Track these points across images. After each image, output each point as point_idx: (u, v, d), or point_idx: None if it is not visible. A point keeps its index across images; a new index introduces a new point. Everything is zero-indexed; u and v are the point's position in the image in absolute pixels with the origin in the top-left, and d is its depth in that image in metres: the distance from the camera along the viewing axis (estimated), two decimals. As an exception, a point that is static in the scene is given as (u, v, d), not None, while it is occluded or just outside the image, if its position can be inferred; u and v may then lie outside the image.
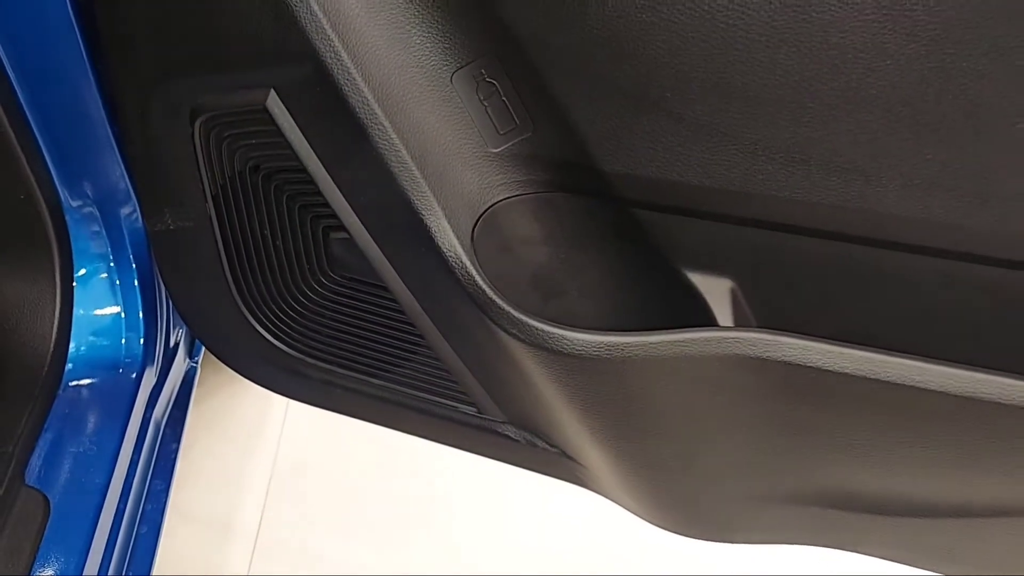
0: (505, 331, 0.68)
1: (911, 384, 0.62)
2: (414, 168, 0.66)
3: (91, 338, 0.97)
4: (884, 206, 0.63)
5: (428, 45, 0.66)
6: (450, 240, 0.67)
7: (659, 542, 0.88)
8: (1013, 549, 0.74)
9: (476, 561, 1.34)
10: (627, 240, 0.73)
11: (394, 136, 0.65)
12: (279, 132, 0.69)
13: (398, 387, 0.81)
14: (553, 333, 0.67)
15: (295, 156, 0.69)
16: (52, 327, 0.94)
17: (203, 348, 1.12)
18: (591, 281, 0.75)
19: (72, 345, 0.95)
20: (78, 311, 0.96)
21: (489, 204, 0.71)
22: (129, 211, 0.93)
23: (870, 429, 0.66)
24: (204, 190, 0.75)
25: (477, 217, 0.70)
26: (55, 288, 0.93)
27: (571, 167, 0.70)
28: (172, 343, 1.04)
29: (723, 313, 0.73)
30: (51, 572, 0.80)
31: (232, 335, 0.85)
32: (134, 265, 0.96)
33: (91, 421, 0.94)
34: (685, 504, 0.82)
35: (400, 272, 0.72)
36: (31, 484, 0.84)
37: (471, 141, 0.69)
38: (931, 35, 0.56)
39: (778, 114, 0.62)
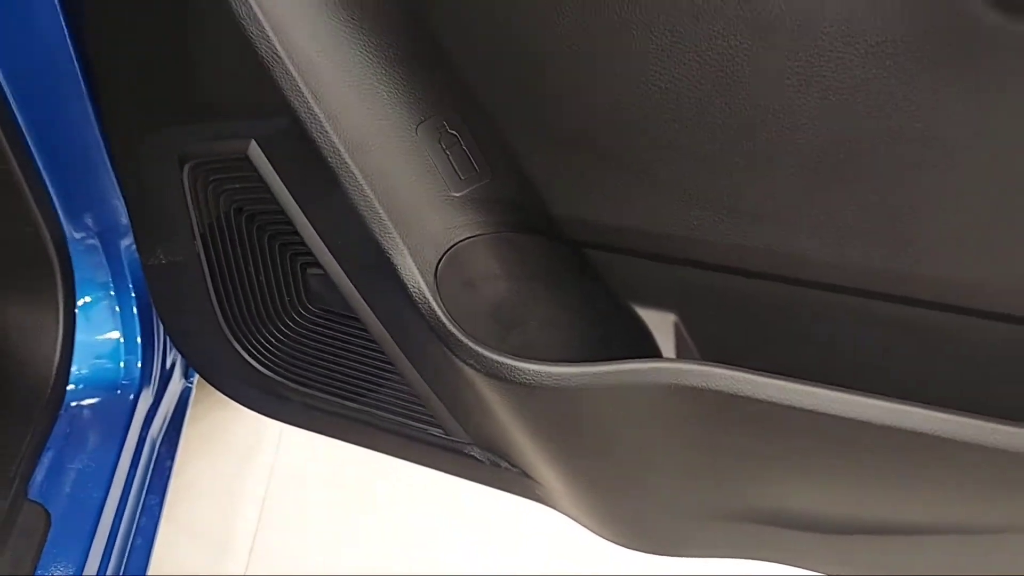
0: (464, 362, 0.74)
1: (830, 412, 0.67)
2: (381, 211, 0.72)
3: (92, 361, 1.03)
4: (806, 250, 0.69)
5: (395, 101, 0.73)
6: (415, 277, 0.74)
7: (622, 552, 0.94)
8: (939, 561, 0.79)
9: None
10: (579, 277, 0.79)
11: (363, 183, 0.72)
12: (260, 178, 0.75)
13: (372, 410, 0.87)
14: (508, 364, 0.73)
15: (275, 200, 0.76)
16: (55, 351, 1.00)
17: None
18: (547, 314, 0.81)
19: (74, 367, 1.02)
20: (80, 336, 1.02)
21: (451, 244, 0.77)
22: (128, 243, 1.00)
23: (795, 453, 0.72)
24: (193, 229, 0.82)
25: (440, 255, 0.76)
26: (59, 314, 1.00)
27: (527, 210, 0.76)
28: (168, 365, 1.11)
29: (667, 345, 0.79)
30: None
31: (219, 360, 0.91)
32: (133, 293, 1.03)
33: (91, 439, 1.01)
34: (633, 520, 0.88)
35: (371, 306, 0.79)
36: (33, 498, 0.91)
37: (434, 186, 0.76)
38: (842, 97, 0.62)
39: (708, 166, 0.68)
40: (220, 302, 0.86)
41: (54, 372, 1.00)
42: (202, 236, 0.82)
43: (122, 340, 1.04)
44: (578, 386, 0.73)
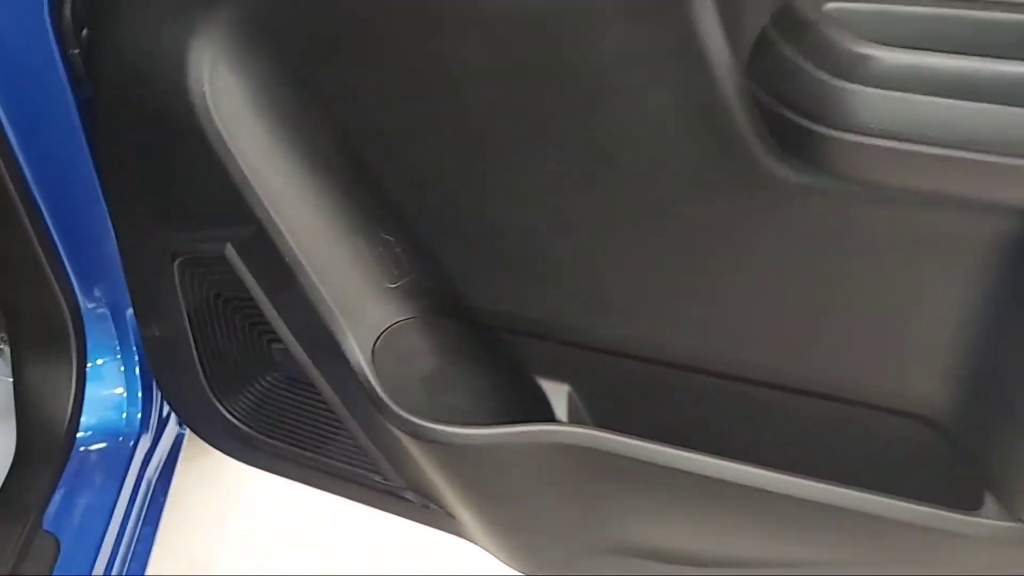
0: (396, 426, 0.92)
1: (680, 468, 0.85)
2: (329, 301, 0.91)
3: (100, 412, 1.22)
4: (663, 339, 0.87)
5: (340, 214, 0.91)
6: (355, 355, 0.92)
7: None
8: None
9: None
10: (490, 354, 0.97)
11: (314, 279, 0.90)
12: (234, 273, 0.94)
13: (325, 459, 1.05)
14: (429, 428, 0.91)
15: (246, 289, 0.95)
16: (69, 404, 1.19)
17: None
18: (464, 384, 0.99)
19: (84, 418, 1.20)
20: (90, 391, 1.21)
21: (386, 326, 0.95)
22: (132, 313, 1.19)
23: (654, 500, 0.90)
24: (182, 310, 1.01)
25: (377, 336, 0.95)
26: (72, 373, 1.19)
27: (446, 299, 0.95)
28: (164, 416, 1.29)
29: (560, 410, 0.97)
30: None
31: (203, 414, 1.09)
32: (136, 356, 1.22)
33: (96, 478, 1.19)
34: (537, 553, 1.05)
35: (322, 375, 0.97)
36: (47, 529, 1.09)
37: (372, 280, 0.94)
38: (669, 218, 0.80)
39: (577, 273, 0.87)
40: (203, 368, 1.05)
41: (67, 421, 1.19)
42: (188, 316, 1.01)
43: (125, 395, 1.22)
44: (486, 445, 0.91)
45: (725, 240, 0.79)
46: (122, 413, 1.22)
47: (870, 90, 0.63)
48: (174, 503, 1.34)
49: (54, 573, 1.05)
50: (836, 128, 0.64)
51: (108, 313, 1.20)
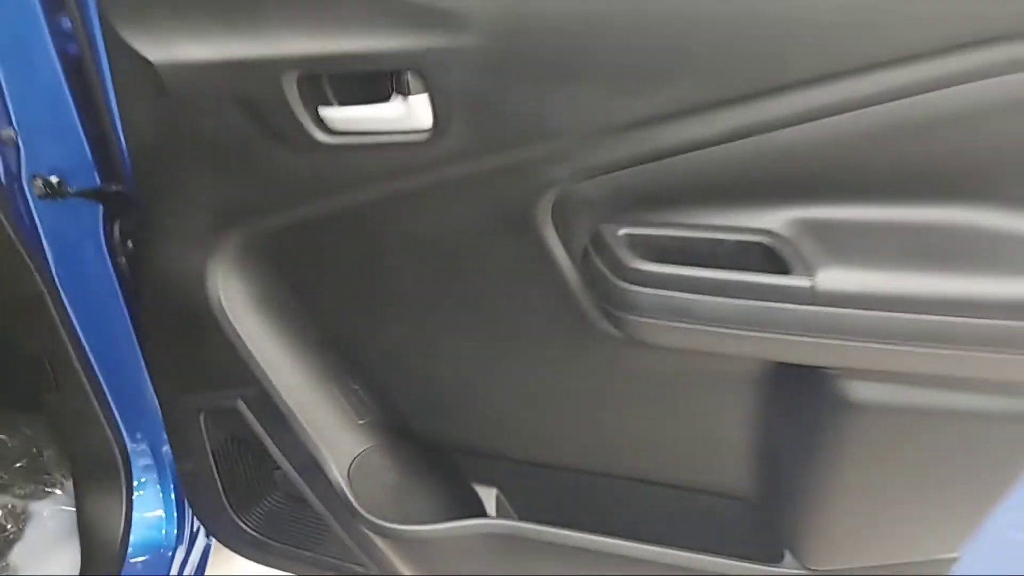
0: (368, 527, 1.25)
1: (581, 546, 1.17)
2: (314, 437, 1.25)
3: (144, 531, 1.54)
4: (549, 450, 1.21)
5: (319, 372, 1.26)
6: (335, 476, 1.25)
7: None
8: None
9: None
10: (437, 468, 1.30)
11: (302, 421, 1.24)
12: (244, 420, 1.28)
13: (318, 555, 1.37)
14: (392, 527, 1.24)
15: (253, 431, 1.29)
16: (120, 525, 1.52)
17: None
18: (418, 493, 1.32)
19: (132, 536, 1.53)
20: (136, 514, 1.54)
21: (358, 453, 1.29)
22: (167, 449, 1.53)
23: (565, 568, 1.22)
24: (207, 449, 1.35)
25: (351, 461, 1.28)
26: (122, 500, 1.52)
27: (401, 430, 1.29)
28: (195, 530, 1.61)
29: (491, 508, 1.30)
30: None
31: (224, 526, 1.42)
32: (171, 483, 1.55)
33: (141, 583, 1.51)
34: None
35: (313, 493, 1.30)
36: None
37: (346, 419, 1.28)
38: (532, 362, 1.15)
39: (488, 407, 1.21)
40: (225, 491, 1.39)
41: (120, 540, 1.51)
42: (212, 453, 1.35)
43: (163, 516, 1.55)
44: (434, 537, 1.24)
45: (582, 376, 1.14)
46: (161, 530, 1.55)
47: (644, 289, 0.98)
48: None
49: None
50: (624, 312, 0.99)
51: (148, 450, 1.54)
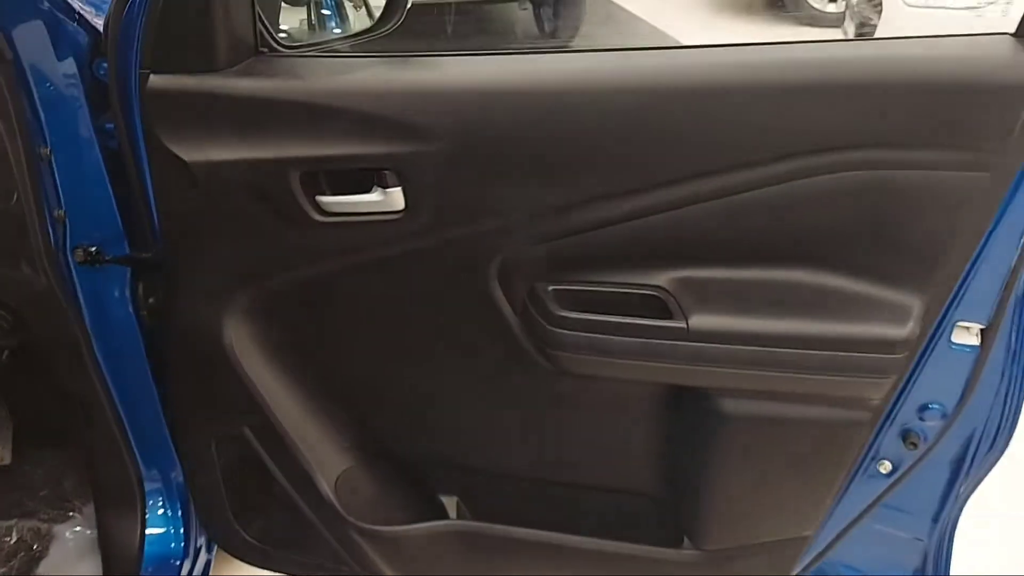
0: (351, 530, 1.53)
1: (529, 540, 1.46)
2: (308, 457, 1.53)
3: (156, 545, 1.79)
4: (496, 463, 1.50)
5: (311, 402, 1.55)
6: (325, 488, 1.53)
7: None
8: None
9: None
10: (407, 480, 1.59)
11: (299, 444, 1.52)
12: (249, 445, 1.56)
13: (311, 558, 1.64)
14: (372, 529, 1.52)
15: (256, 453, 1.56)
16: (136, 541, 1.77)
17: (215, 548, 1.93)
18: (394, 499, 1.60)
19: (146, 551, 1.78)
20: (149, 531, 1.79)
21: (343, 469, 1.57)
22: (176, 476, 1.79)
23: (512, 559, 1.50)
24: (217, 471, 1.62)
25: (337, 476, 1.56)
26: (137, 519, 1.77)
27: (378, 450, 1.58)
28: (198, 545, 1.87)
29: (452, 512, 1.58)
30: None
31: (228, 534, 1.69)
32: (179, 505, 1.81)
33: (155, 591, 1.76)
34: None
35: (305, 503, 1.57)
36: None
37: (334, 441, 1.56)
38: (478, 389, 1.45)
39: (446, 430, 1.50)
40: (230, 503, 1.65)
41: (136, 554, 1.76)
42: (221, 472, 1.62)
43: (172, 532, 1.81)
44: (407, 535, 1.52)
45: (523, 401, 1.44)
46: (171, 544, 1.80)
47: (568, 332, 1.29)
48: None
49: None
50: (555, 350, 1.31)
51: (159, 476, 1.79)
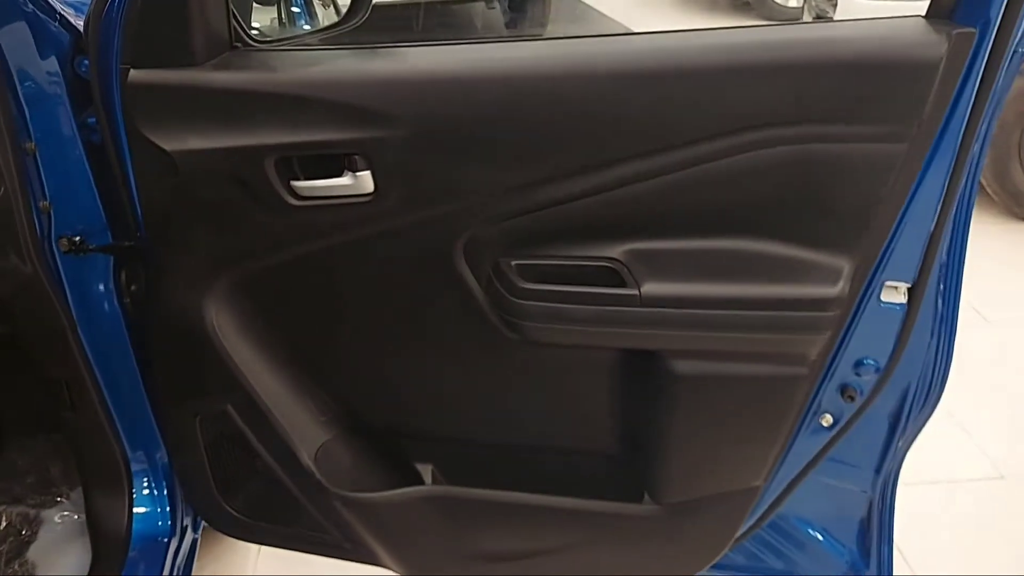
0: (333, 500, 1.61)
1: (499, 501, 1.55)
2: (288, 430, 1.61)
3: (143, 524, 1.86)
4: (467, 433, 1.60)
5: (291, 379, 1.63)
6: (305, 460, 1.62)
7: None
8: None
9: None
10: (383, 451, 1.68)
11: (280, 418, 1.61)
12: (232, 421, 1.64)
13: (294, 528, 1.72)
14: (352, 496, 1.60)
15: (239, 429, 1.64)
16: (124, 521, 1.84)
17: (201, 526, 2.00)
18: (371, 468, 1.69)
19: (135, 527, 1.86)
20: (136, 510, 1.86)
21: (322, 441, 1.65)
22: (161, 456, 1.86)
23: (484, 521, 1.60)
24: (200, 447, 1.69)
25: (317, 448, 1.65)
26: (124, 500, 1.84)
27: (355, 423, 1.66)
28: (184, 525, 1.94)
29: (427, 477, 1.67)
30: None
31: (214, 510, 1.76)
32: (164, 484, 1.88)
33: (141, 569, 1.83)
34: (421, 564, 1.73)
35: (287, 476, 1.66)
36: None
37: (313, 415, 1.65)
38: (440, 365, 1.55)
39: (419, 401, 1.59)
40: (215, 479, 1.73)
41: (123, 533, 1.83)
42: (205, 449, 1.70)
43: (159, 511, 1.88)
44: (385, 501, 1.61)
45: (491, 370, 1.53)
46: (157, 523, 1.87)
47: (531, 303, 1.39)
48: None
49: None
50: (518, 320, 1.40)
51: (145, 457, 1.86)
